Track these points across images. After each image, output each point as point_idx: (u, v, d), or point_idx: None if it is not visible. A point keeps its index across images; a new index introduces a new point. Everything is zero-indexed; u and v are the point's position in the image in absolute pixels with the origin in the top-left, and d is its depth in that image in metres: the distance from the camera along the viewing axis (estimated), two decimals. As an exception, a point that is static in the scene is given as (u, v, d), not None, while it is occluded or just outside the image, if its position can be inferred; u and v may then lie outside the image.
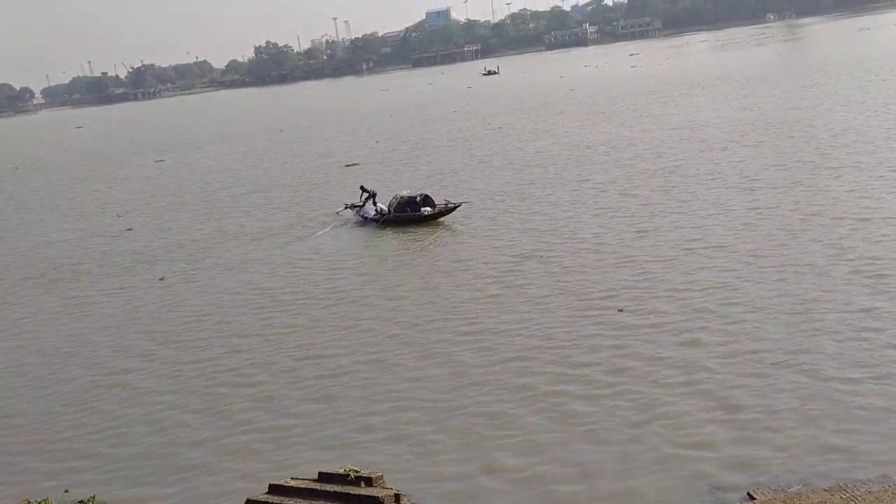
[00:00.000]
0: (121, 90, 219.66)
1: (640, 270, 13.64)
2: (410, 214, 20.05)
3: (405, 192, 20.88)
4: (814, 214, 15.36)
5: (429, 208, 20.13)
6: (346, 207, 21.53)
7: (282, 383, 10.44)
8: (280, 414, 9.56)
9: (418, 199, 20.17)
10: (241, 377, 10.82)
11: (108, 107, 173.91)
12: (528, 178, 25.37)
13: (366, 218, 20.83)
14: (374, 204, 21.27)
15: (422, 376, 10.14)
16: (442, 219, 19.92)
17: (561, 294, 12.83)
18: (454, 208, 19.88)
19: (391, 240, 19.03)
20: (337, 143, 42.14)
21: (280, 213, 23.74)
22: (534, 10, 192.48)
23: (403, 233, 19.42)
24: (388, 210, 20.53)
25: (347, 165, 33.20)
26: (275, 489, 7.12)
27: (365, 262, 16.73)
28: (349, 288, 14.83)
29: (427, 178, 27.84)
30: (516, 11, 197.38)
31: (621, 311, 11.71)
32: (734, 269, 12.78)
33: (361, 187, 22.01)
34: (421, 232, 19.33)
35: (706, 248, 14.44)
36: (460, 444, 8.24)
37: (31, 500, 7.38)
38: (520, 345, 10.67)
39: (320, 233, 20.18)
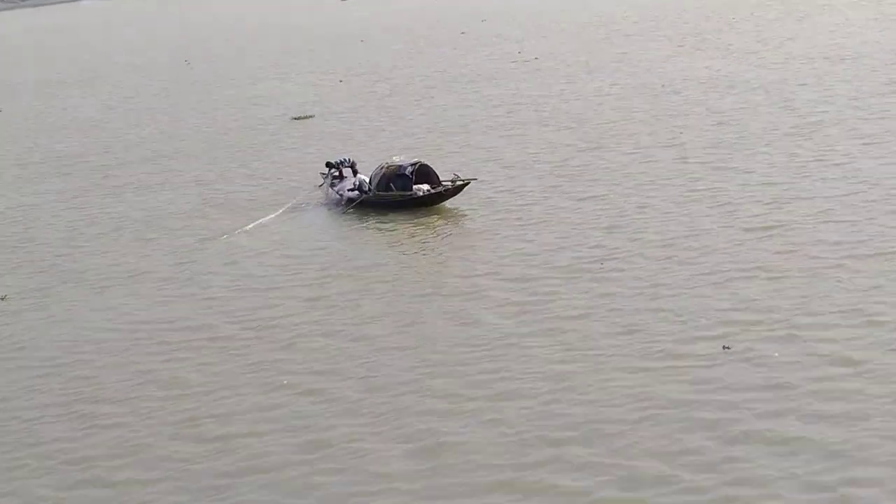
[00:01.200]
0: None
1: (767, 292, 13.87)
2: (398, 194, 20.68)
3: (396, 159, 21.46)
4: None
5: (426, 186, 20.67)
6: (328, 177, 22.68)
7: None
8: None
9: (409, 171, 20.70)
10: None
11: None
12: (575, 141, 25.89)
13: (342, 196, 21.65)
14: (355, 174, 22.29)
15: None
16: (445, 202, 20.65)
17: (635, 334, 13.06)
18: (461, 187, 20.45)
19: (364, 235, 19.74)
20: (277, 84, 42.56)
21: (188, 195, 24.34)
22: None
23: (384, 222, 20.20)
24: (368, 186, 21.19)
25: (297, 119, 33.55)
26: None
27: (314, 280, 16.95)
28: (286, 325, 14.90)
29: (417, 139, 28.33)
30: None
31: (727, 348, 12.18)
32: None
33: (328, 164, 23.06)
34: (411, 223, 19.86)
35: (875, 255, 14.70)
36: None
37: None
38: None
39: (250, 226, 20.68)
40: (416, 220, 20.11)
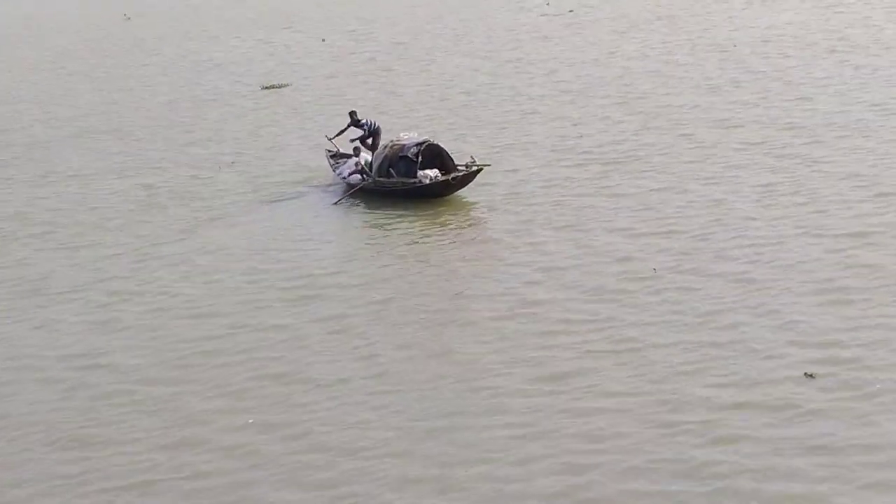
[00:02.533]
0: None
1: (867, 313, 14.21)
2: (399, 182, 21.06)
3: (404, 136, 21.96)
4: None
5: (432, 172, 21.03)
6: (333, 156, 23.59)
7: None
8: None
9: (412, 153, 21.18)
10: None
11: None
12: (622, 118, 26.09)
13: (344, 179, 22.51)
14: (357, 152, 23.00)
15: None
16: (459, 192, 21.11)
17: (706, 367, 13.36)
18: (474, 174, 20.94)
19: (351, 238, 20.11)
20: (241, 44, 42.76)
21: (126, 187, 24.67)
22: None
23: (378, 219, 20.64)
24: (368, 170, 21.80)
25: (268, 87, 33.86)
26: None
27: (294, 296, 17.15)
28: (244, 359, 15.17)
29: (419, 115, 28.45)
30: None
31: (811, 376, 12.72)
32: None
33: (351, 114, 23.91)
34: (411, 221, 20.18)
35: None
36: None
37: None
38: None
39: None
40: (419, 217, 20.38)
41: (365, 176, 21.90)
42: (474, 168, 21.03)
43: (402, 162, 21.24)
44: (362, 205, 21.72)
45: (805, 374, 12.87)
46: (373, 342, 15.09)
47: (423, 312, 15.96)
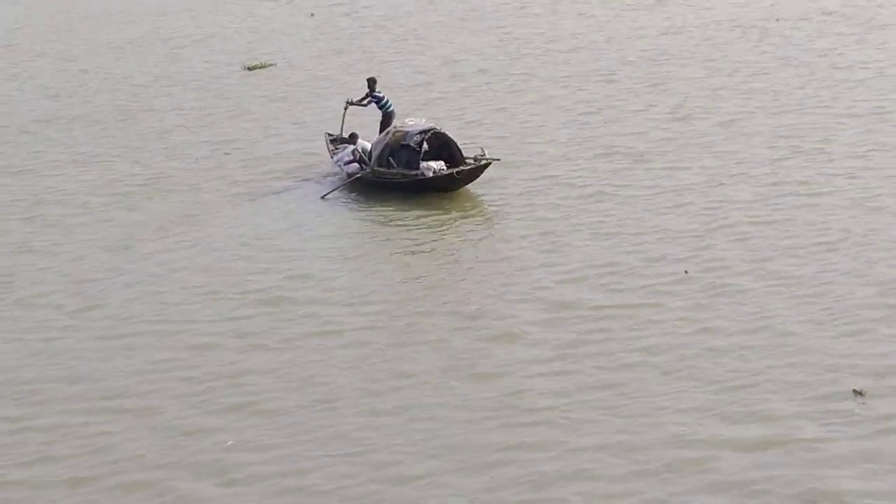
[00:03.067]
0: None
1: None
2: (399, 173, 21.30)
3: (410, 123, 22.16)
4: None
5: (436, 164, 21.29)
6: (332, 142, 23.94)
7: None
8: None
9: (414, 141, 21.34)
10: None
11: None
12: (653, 102, 26.20)
13: (344, 168, 22.79)
14: (355, 139, 23.30)
15: None
16: (467, 187, 21.36)
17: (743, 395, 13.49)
18: (482, 168, 21.23)
19: (346, 235, 20.46)
20: (218, 19, 42.57)
21: (86, 182, 24.54)
22: None
23: (377, 215, 20.92)
24: (368, 159, 22.08)
25: (251, 68, 33.90)
26: None
27: (268, 312, 17.21)
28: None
29: (421, 99, 28.44)
30: None
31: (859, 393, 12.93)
32: None
33: (370, 80, 24.09)
34: (409, 219, 20.42)
35: None
36: None
37: None
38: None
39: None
40: (420, 215, 20.49)
41: (363, 166, 21.96)
42: (483, 162, 21.08)
43: (403, 151, 21.32)
44: (358, 199, 21.77)
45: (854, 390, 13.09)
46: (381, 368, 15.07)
47: (427, 333, 15.91)
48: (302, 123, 26.96)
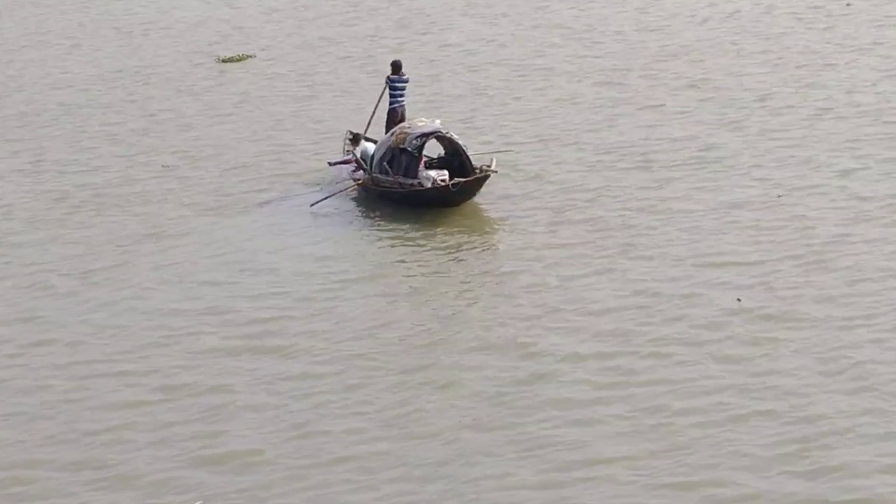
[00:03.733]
0: None
1: None
2: (396, 181, 21.58)
3: (421, 122, 22.49)
4: None
5: (441, 173, 21.62)
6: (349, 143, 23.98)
7: None
8: None
9: (413, 146, 21.69)
10: None
11: None
12: (697, 105, 26.20)
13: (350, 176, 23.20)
14: (358, 140, 23.73)
15: None
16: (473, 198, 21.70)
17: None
18: (481, 181, 21.47)
19: (343, 248, 20.82)
20: (185, 3, 42.18)
21: (56, 190, 24.64)
22: None
23: (382, 230, 21.21)
24: (369, 163, 22.47)
25: (226, 60, 33.82)
26: None
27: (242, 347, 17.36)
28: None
29: (429, 97, 28.27)
30: None
31: None
32: None
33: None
34: (413, 233, 20.76)
35: None
36: None
37: None
38: None
39: None
40: (426, 233, 20.71)
41: (363, 171, 22.13)
42: (479, 174, 21.19)
43: (403, 156, 21.62)
44: (356, 209, 21.94)
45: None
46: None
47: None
48: (285, 124, 27.00)
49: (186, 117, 28.60)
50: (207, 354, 16.89)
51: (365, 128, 23.96)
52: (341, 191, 22.18)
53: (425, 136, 21.49)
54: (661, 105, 26.07)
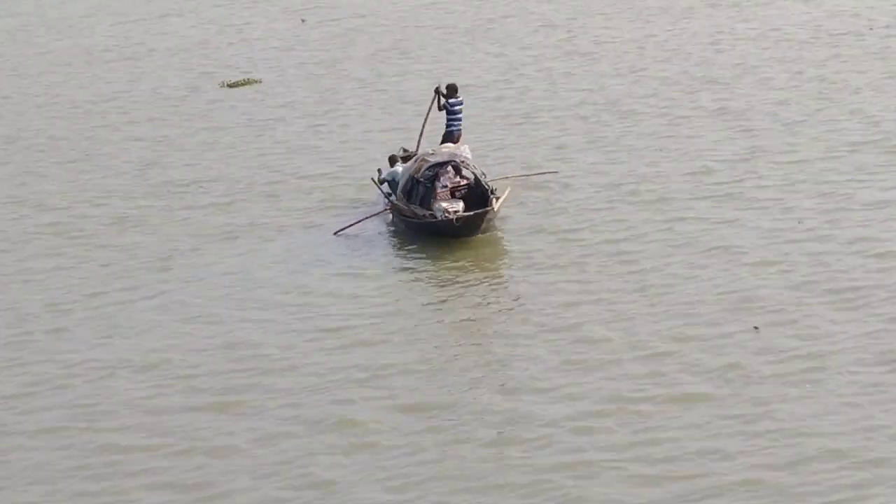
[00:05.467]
0: None
1: None
2: (412, 211, 22.02)
3: (445, 148, 22.98)
4: None
5: (456, 204, 21.75)
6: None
7: None
8: None
9: (425, 176, 22.02)
10: None
11: None
12: (719, 136, 26.12)
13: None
14: (393, 162, 23.92)
15: None
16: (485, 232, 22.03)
17: None
18: (480, 216, 21.57)
19: (370, 282, 20.73)
20: (188, 25, 42.26)
21: (51, 223, 24.73)
22: None
23: (414, 262, 21.45)
24: (396, 187, 22.93)
25: (232, 85, 33.87)
26: None
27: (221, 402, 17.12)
28: None
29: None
30: None
31: None
32: None
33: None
34: (446, 265, 20.97)
35: None
36: None
37: None
38: None
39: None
40: (449, 266, 20.80)
41: (389, 196, 22.73)
42: (479, 210, 21.39)
43: (420, 185, 22.03)
44: (386, 237, 22.21)
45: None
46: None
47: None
48: (302, 150, 27.05)
49: (193, 143, 28.59)
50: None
51: (416, 145, 23.86)
52: (366, 217, 22.30)
53: (438, 166, 21.79)
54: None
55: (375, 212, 22.64)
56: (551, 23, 36.92)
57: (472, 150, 23.19)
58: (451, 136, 23.56)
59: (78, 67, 37.61)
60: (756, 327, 17.17)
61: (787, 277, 18.91)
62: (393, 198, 22.58)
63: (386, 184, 23.02)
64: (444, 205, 21.43)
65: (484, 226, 21.55)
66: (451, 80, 24.38)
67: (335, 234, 22.23)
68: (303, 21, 40.62)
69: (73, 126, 31.19)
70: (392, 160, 23.49)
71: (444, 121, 23.84)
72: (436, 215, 21.39)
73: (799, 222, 20.71)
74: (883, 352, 16.21)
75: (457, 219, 21.23)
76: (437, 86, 23.87)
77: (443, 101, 23.58)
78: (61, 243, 23.05)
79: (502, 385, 16.50)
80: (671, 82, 29.82)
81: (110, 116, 31.85)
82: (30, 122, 31.76)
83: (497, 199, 21.71)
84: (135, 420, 16.23)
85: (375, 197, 23.41)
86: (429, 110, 23.89)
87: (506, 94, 30.19)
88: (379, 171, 23.68)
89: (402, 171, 22.57)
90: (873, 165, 23.02)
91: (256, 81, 33.54)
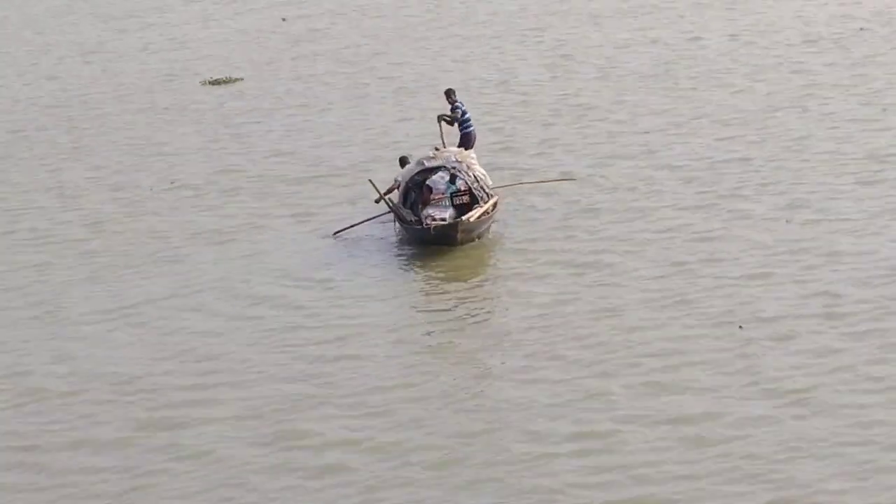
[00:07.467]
0: None
1: None
2: (407, 215, 22.17)
3: (447, 151, 22.74)
4: None
5: (445, 212, 21.86)
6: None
7: None
8: None
9: (413, 181, 22.24)
10: None
11: None
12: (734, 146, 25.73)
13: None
14: (403, 163, 23.83)
15: None
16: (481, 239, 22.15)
17: None
18: (453, 227, 21.50)
19: (366, 289, 20.61)
20: (166, 24, 42.41)
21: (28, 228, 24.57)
22: None
23: (398, 264, 21.71)
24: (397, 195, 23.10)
25: (213, 83, 34.01)
26: None
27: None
28: None
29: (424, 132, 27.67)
30: None
31: None
32: None
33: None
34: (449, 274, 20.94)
35: None
36: None
37: None
38: None
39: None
40: (452, 276, 20.74)
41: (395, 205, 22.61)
42: (452, 220, 21.35)
43: (415, 189, 22.26)
44: (379, 239, 22.25)
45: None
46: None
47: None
48: (279, 151, 27.01)
49: (172, 143, 28.55)
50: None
51: (441, 144, 23.63)
52: (367, 220, 22.41)
53: (427, 171, 21.98)
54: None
55: (372, 216, 22.55)
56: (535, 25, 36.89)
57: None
58: (468, 139, 23.52)
59: (58, 65, 37.57)
60: (741, 326, 17.45)
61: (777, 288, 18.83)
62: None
63: (394, 185, 23.00)
64: (430, 211, 21.54)
65: (482, 233, 21.54)
66: (443, 82, 24.54)
67: (334, 234, 22.28)
68: (283, 20, 40.79)
69: (57, 123, 31.05)
70: (402, 161, 23.45)
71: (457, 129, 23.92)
72: (425, 222, 21.45)
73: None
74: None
75: (433, 228, 21.32)
76: (438, 115, 23.71)
77: (449, 120, 23.53)
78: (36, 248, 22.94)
79: (477, 405, 16.23)
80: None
81: (90, 115, 31.77)
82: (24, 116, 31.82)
83: (480, 207, 21.71)
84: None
85: (373, 198, 23.13)
86: (442, 134, 23.60)
87: (507, 95, 30.03)
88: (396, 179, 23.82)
89: (403, 174, 22.66)
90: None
91: (238, 79, 33.71)
